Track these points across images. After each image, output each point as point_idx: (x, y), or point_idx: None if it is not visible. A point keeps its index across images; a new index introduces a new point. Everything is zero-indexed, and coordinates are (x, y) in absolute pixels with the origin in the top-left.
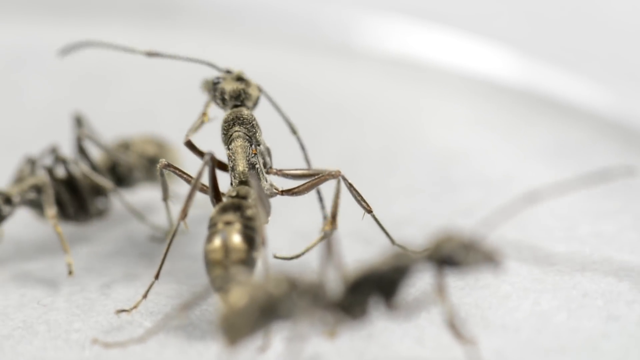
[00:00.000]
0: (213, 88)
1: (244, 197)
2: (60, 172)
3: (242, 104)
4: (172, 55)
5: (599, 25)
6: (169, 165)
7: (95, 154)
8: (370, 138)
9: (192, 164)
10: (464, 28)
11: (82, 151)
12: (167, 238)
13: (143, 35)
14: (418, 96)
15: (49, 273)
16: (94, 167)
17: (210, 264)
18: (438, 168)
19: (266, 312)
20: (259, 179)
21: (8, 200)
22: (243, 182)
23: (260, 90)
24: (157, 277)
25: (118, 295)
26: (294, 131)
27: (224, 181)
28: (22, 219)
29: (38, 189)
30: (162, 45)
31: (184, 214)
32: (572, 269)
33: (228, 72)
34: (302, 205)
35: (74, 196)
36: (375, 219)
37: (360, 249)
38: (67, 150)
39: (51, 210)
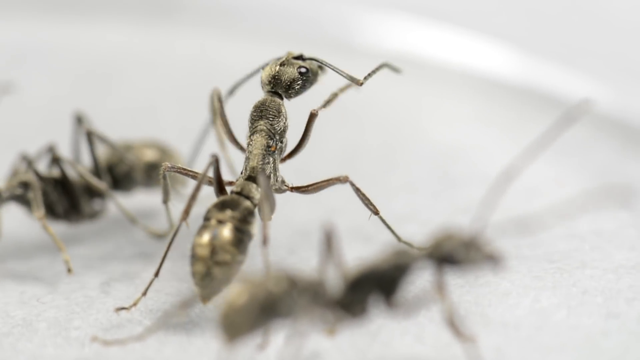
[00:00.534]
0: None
1: (247, 196)
2: (56, 171)
3: (277, 91)
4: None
5: (598, 22)
6: (172, 167)
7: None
8: (371, 135)
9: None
10: (464, 25)
11: (91, 147)
12: (168, 237)
13: (143, 32)
14: (418, 93)
15: (49, 271)
16: (97, 165)
17: (194, 257)
18: (438, 165)
19: (266, 310)
20: (271, 175)
21: None
22: (252, 177)
23: (303, 74)
24: (157, 274)
25: (118, 293)
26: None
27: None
28: (21, 217)
29: (26, 185)
30: (163, 43)
31: (186, 214)
32: (572, 267)
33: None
34: (302, 203)
35: (66, 196)
36: (383, 221)
37: (359, 247)
38: (66, 148)
39: (38, 212)
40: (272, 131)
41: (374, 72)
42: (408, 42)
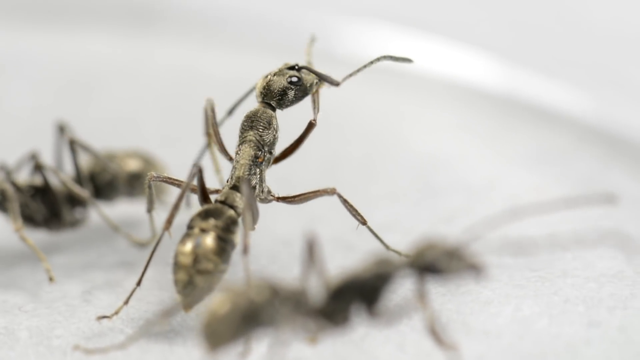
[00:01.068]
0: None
1: (231, 205)
2: (38, 179)
3: (269, 102)
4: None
5: (581, 33)
6: (158, 177)
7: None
8: (352, 145)
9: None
10: (446, 35)
11: (74, 156)
12: (151, 245)
13: (124, 42)
14: (400, 103)
15: (30, 280)
16: (79, 174)
17: (177, 265)
18: (420, 174)
19: (248, 318)
20: (256, 185)
21: None
22: (237, 186)
23: (293, 83)
24: (139, 283)
25: (100, 302)
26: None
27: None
28: (2, 225)
29: (3, 193)
30: (144, 53)
31: (169, 223)
32: (554, 275)
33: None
34: (284, 211)
35: (47, 204)
36: (371, 230)
37: (341, 256)
38: (49, 157)
39: (15, 224)
40: (261, 142)
41: (377, 60)
42: (390, 52)
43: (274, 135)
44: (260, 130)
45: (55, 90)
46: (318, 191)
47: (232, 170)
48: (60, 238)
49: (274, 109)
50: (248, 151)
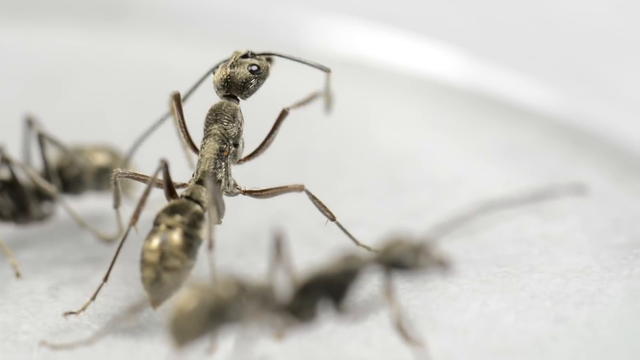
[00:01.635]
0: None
1: (197, 200)
2: (5, 173)
3: (231, 94)
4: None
5: (548, 27)
6: (124, 173)
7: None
8: (319, 140)
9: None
10: (412, 29)
11: (42, 150)
12: (117, 241)
13: (92, 37)
14: (366, 98)
15: None
16: (47, 168)
17: (143, 262)
18: (387, 170)
19: (215, 315)
20: (222, 179)
21: None
22: (202, 181)
23: (254, 72)
24: (106, 279)
25: (66, 298)
26: None
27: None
28: None
29: None
30: (111, 47)
31: (135, 218)
32: (520, 271)
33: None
34: (250, 206)
35: (14, 198)
36: (340, 226)
37: (308, 252)
38: (16, 152)
39: None
40: (226, 135)
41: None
42: (356, 46)
43: (239, 128)
44: (225, 123)
45: (22, 85)
46: (286, 187)
47: (197, 165)
48: (27, 233)
49: (237, 101)
50: (213, 145)
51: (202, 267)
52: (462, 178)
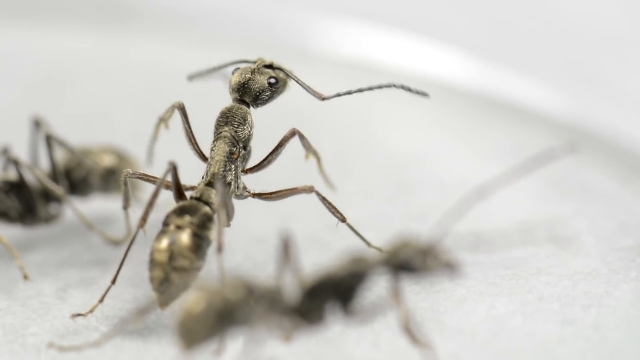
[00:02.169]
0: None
1: (206, 202)
2: (12, 174)
3: (243, 99)
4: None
5: (554, 29)
6: (134, 174)
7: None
8: (326, 142)
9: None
10: (419, 31)
11: (50, 151)
12: (126, 243)
13: (98, 39)
14: (373, 99)
15: (4, 277)
16: (54, 169)
17: (152, 262)
18: (393, 172)
19: (223, 317)
20: (231, 182)
21: None
22: (212, 183)
23: (272, 84)
24: (114, 281)
25: (74, 300)
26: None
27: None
28: None
29: None
30: (117, 49)
31: (143, 220)
32: (528, 273)
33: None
34: (258, 209)
35: (22, 199)
36: (351, 227)
37: (316, 254)
38: (23, 153)
39: None
40: (236, 138)
41: (386, 86)
42: (363, 48)
43: (249, 132)
44: (236, 126)
45: (28, 86)
46: (296, 188)
47: (207, 167)
48: (34, 235)
49: (248, 106)
50: (223, 147)
51: (210, 269)
52: (469, 180)
